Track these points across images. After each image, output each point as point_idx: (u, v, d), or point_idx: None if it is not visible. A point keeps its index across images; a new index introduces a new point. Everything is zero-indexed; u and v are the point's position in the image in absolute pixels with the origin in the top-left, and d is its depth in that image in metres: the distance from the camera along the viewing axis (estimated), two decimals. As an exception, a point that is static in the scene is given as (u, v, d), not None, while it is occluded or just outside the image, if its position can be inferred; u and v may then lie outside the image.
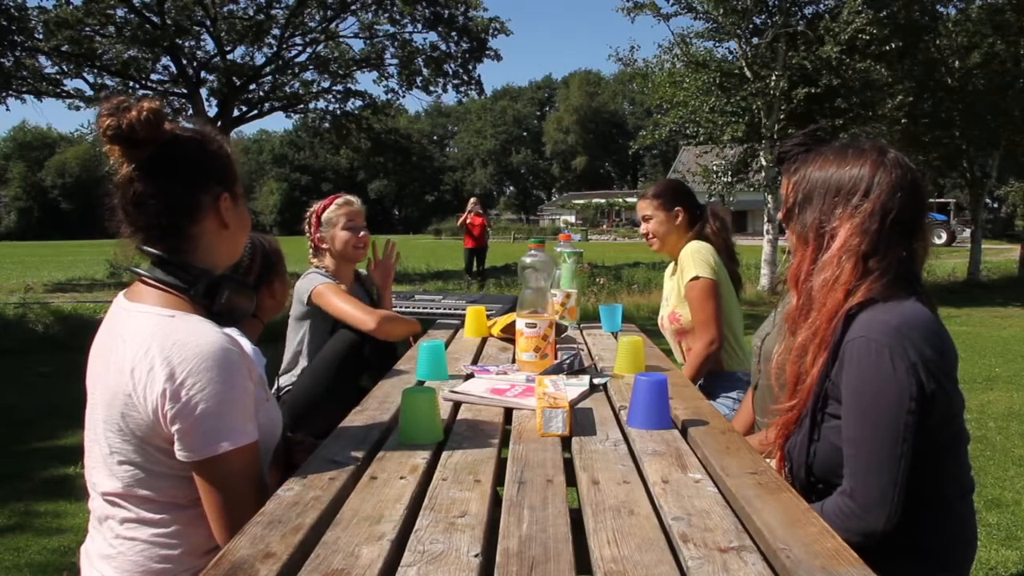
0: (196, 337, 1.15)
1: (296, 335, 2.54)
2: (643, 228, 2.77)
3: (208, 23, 17.00)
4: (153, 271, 1.23)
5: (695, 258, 2.55)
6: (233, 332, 1.52)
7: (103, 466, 1.22)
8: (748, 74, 12.83)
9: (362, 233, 2.59)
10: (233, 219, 1.28)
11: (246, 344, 1.70)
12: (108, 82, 16.98)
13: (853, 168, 1.35)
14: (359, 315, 2.36)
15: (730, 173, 14.02)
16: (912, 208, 1.32)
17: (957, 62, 14.61)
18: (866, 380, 1.23)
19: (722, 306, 2.55)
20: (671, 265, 2.82)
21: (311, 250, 2.65)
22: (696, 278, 2.51)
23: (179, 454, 1.14)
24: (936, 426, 1.25)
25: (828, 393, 1.32)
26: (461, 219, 13.92)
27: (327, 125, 19.92)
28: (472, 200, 13.96)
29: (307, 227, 2.64)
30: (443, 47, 18.55)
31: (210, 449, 1.13)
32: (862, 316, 1.27)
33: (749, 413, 2.06)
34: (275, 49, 17.83)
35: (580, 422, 1.47)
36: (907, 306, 1.27)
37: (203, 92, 17.70)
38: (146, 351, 1.14)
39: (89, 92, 16.51)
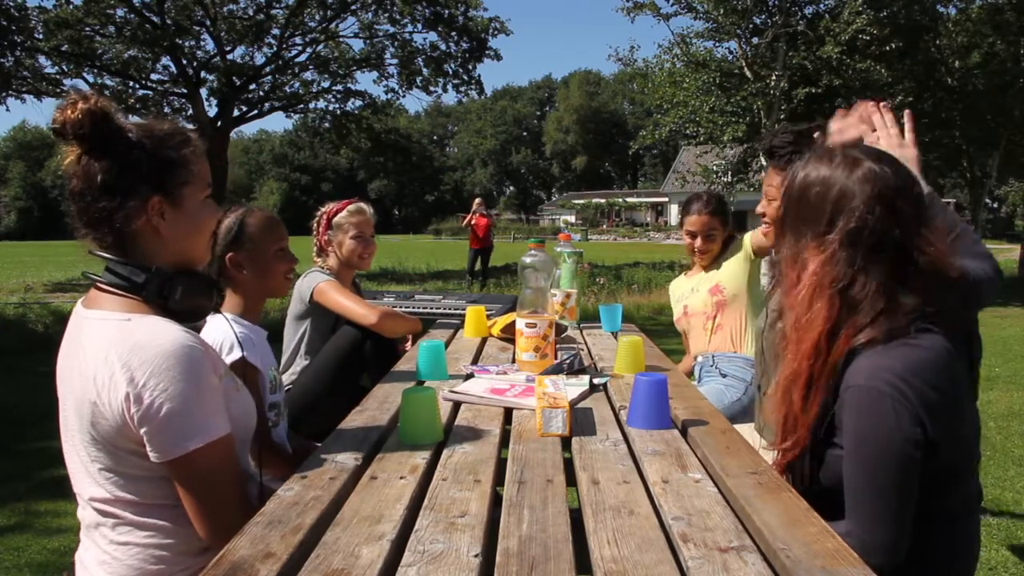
0: (154, 338, 1.14)
1: (295, 333, 2.54)
2: (701, 245, 2.79)
3: (208, 23, 16.98)
4: (106, 275, 1.22)
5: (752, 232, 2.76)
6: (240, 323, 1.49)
7: (86, 474, 1.21)
8: (748, 74, 12.84)
9: (369, 245, 2.60)
10: (169, 225, 1.23)
11: (239, 328, 1.69)
12: (108, 82, 16.97)
13: (821, 187, 1.23)
14: (361, 310, 2.37)
15: (730, 173, 14.03)
16: (897, 222, 1.19)
17: (957, 62, 14.62)
18: (868, 428, 1.16)
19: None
20: (689, 272, 2.97)
21: (315, 249, 2.66)
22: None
23: (151, 455, 1.14)
24: (945, 458, 1.19)
25: (833, 425, 1.23)
26: (465, 220, 13.88)
27: (327, 125, 19.92)
28: (476, 201, 13.91)
29: (316, 227, 2.65)
30: (443, 47, 18.54)
31: (180, 448, 1.13)
32: (863, 359, 1.18)
33: None
34: (275, 49, 17.82)
35: (580, 422, 1.47)
36: (911, 344, 1.16)
37: (203, 92, 17.69)
38: (105, 357, 1.13)
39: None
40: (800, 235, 1.25)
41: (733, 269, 2.77)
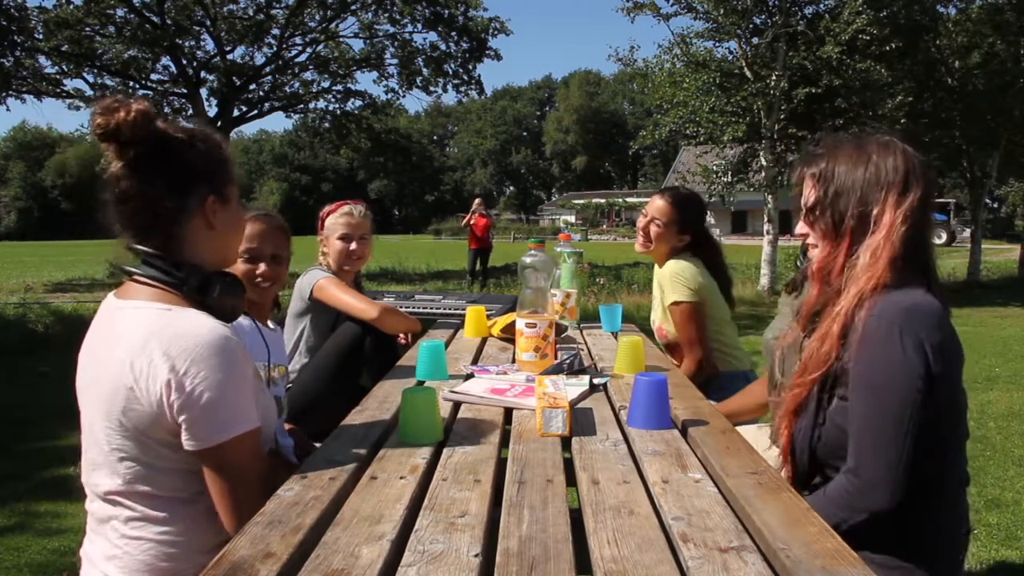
0: (195, 328, 1.16)
1: (295, 331, 2.55)
2: (642, 223, 2.65)
3: (208, 23, 16.98)
4: (145, 268, 1.23)
5: (675, 282, 2.54)
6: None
7: (104, 465, 1.22)
8: (748, 74, 12.83)
9: (354, 245, 2.58)
10: (221, 221, 1.28)
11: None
12: (108, 82, 16.96)
13: (886, 161, 1.35)
14: (362, 305, 2.39)
15: (730, 173, 14.03)
16: (933, 202, 1.39)
17: (957, 62, 14.60)
18: (875, 358, 1.25)
19: (707, 324, 2.55)
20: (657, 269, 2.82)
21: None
22: (677, 303, 2.53)
23: (186, 444, 1.16)
24: (941, 412, 1.26)
25: (835, 374, 1.32)
26: (465, 220, 13.88)
27: (327, 125, 19.92)
28: (476, 201, 13.92)
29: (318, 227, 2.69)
30: (443, 47, 18.54)
31: (217, 437, 1.15)
32: (873, 298, 1.29)
33: (754, 396, 2.11)
34: (275, 49, 17.82)
35: (580, 422, 1.47)
36: (918, 293, 1.30)
37: (203, 92, 17.69)
38: (144, 344, 1.15)
39: (89, 92, 16.49)
40: (872, 197, 1.35)
41: (664, 308, 2.59)
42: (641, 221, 2.68)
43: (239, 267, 1.93)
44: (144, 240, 1.24)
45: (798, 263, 2.01)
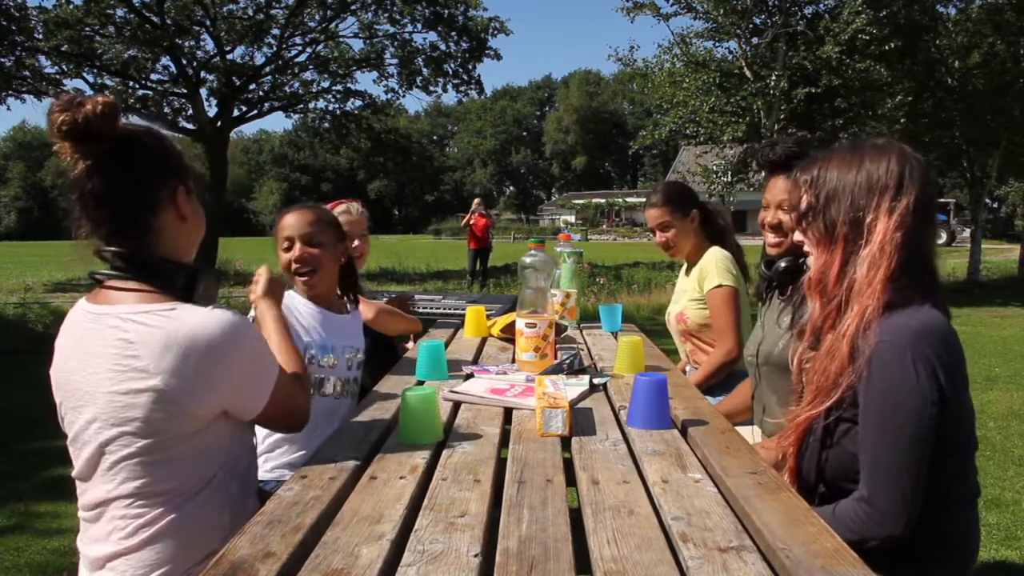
0: (208, 320, 1.18)
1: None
2: (660, 238, 2.66)
3: (208, 23, 16.97)
4: (128, 271, 1.23)
5: (719, 266, 2.53)
6: None
7: (120, 471, 1.20)
8: (748, 74, 12.85)
9: (355, 243, 2.58)
10: (190, 211, 1.31)
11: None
12: (108, 82, 16.96)
13: (879, 164, 1.32)
14: (360, 307, 2.38)
15: (730, 173, 14.04)
16: (934, 204, 1.35)
17: (957, 62, 14.61)
18: (888, 385, 1.22)
19: (741, 315, 2.55)
20: (686, 265, 2.80)
21: None
22: (719, 286, 2.51)
23: (244, 416, 1.28)
24: (949, 429, 1.24)
25: (843, 397, 1.29)
26: (465, 220, 13.89)
27: (327, 125, 19.92)
28: (476, 201, 13.92)
29: None
30: (443, 47, 18.53)
31: (262, 402, 1.26)
32: (881, 320, 1.25)
33: (741, 399, 2.10)
34: (275, 49, 17.80)
35: (580, 422, 1.48)
36: (924, 310, 1.27)
37: (203, 92, 17.68)
38: (166, 347, 1.15)
39: (89, 92, 16.44)
40: (865, 203, 1.31)
41: (693, 296, 2.59)
42: (656, 237, 2.70)
43: (281, 258, 1.98)
44: (119, 238, 1.23)
45: (760, 271, 2.01)
